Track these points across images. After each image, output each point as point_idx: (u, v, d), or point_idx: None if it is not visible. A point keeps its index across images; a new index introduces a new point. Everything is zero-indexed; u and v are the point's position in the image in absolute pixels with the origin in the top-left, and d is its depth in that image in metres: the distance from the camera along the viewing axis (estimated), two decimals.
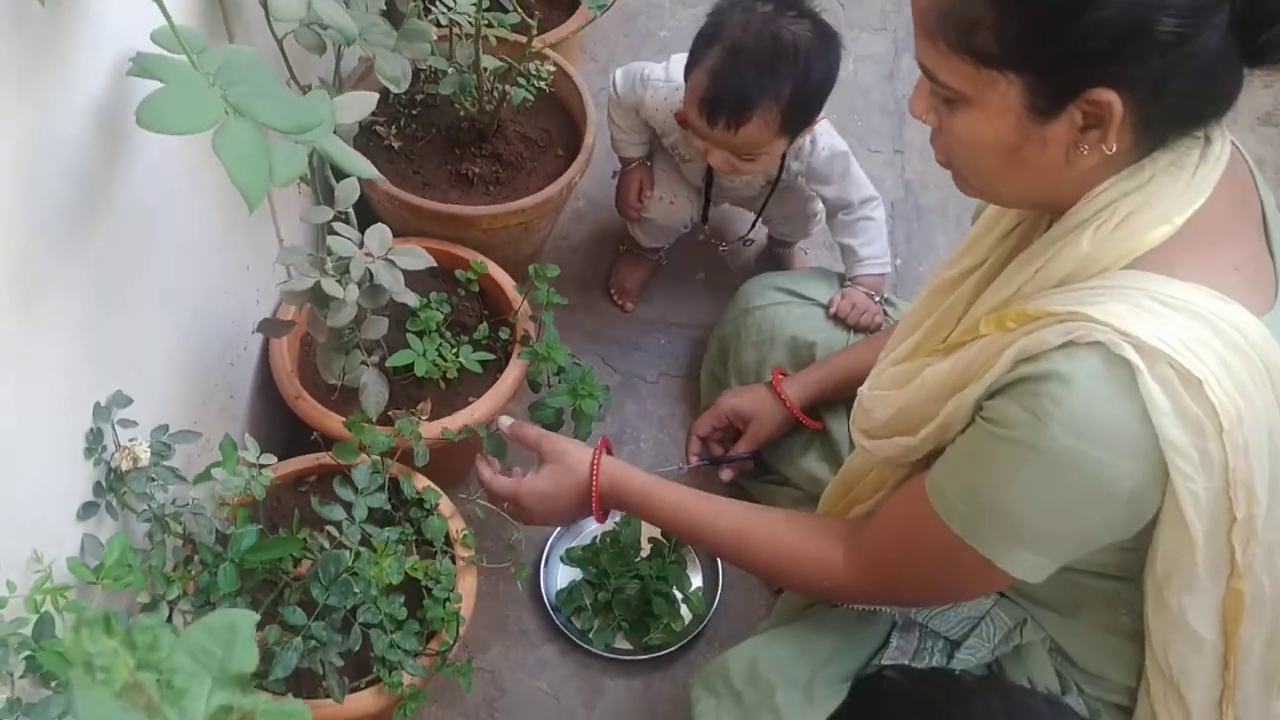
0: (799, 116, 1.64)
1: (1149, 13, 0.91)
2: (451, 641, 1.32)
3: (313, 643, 1.16)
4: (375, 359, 1.53)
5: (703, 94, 1.63)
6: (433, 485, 1.46)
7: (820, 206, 1.90)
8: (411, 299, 1.34)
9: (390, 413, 1.59)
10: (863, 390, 1.30)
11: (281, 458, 1.52)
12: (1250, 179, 1.14)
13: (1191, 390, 0.99)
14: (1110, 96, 0.94)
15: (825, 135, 1.78)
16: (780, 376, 1.72)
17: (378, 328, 1.38)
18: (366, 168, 1.07)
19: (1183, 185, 1.04)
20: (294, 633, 1.16)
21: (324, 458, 1.46)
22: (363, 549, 1.20)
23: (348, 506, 1.27)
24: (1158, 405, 0.98)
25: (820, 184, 1.82)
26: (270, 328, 1.48)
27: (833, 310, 1.78)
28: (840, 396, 1.69)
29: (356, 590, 1.18)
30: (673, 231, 1.99)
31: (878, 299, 1.80)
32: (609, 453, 1.42)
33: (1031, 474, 1.02)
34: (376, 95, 1.16)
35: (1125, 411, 0.99)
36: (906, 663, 1.31)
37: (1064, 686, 1.34)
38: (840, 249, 1.87)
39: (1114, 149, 0.99)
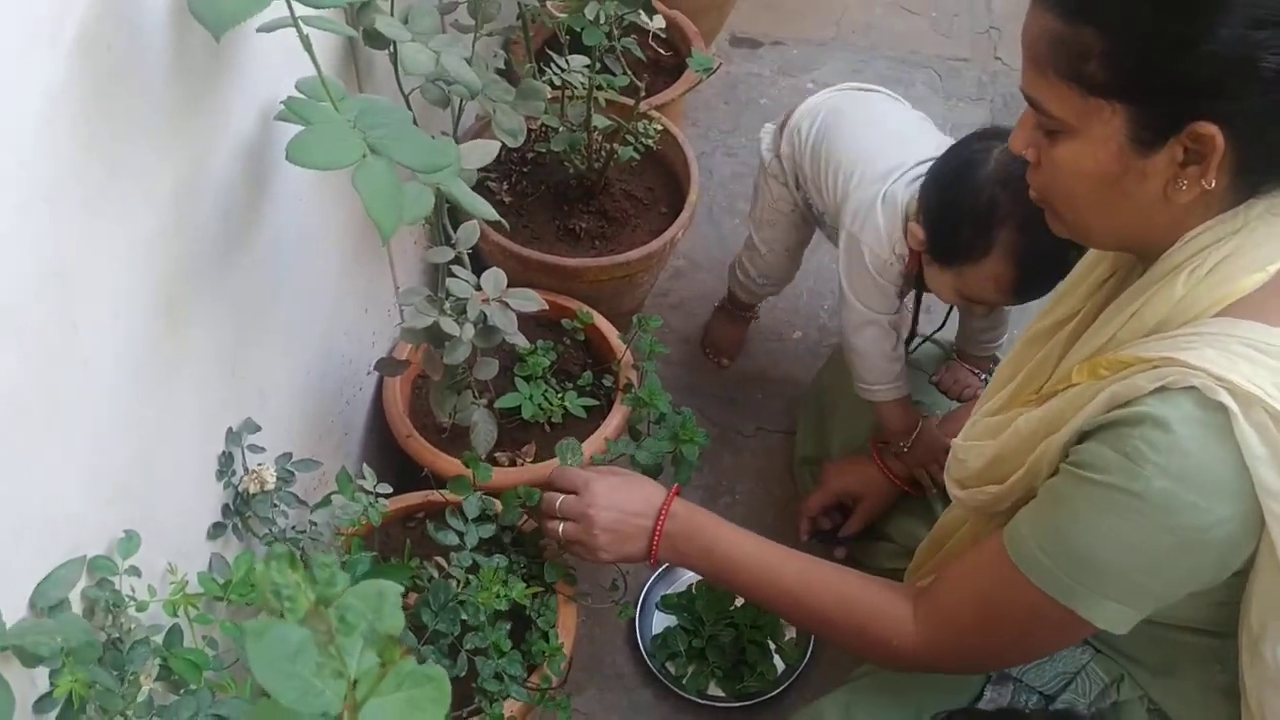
0: (1035, 289, 1.51)
1: (1256, 49, 0.93)
2: (555, 676, 1.36)
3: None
4: (485, 400, 1.59)
5: (1014, 283, 1.48)
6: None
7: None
8: (522, 340, 1.40)
9: (495, 454, 1.64)
10: (957, 441, 1.31)
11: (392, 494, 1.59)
12: None
13: None
14: (1213, 130, 0.96)
15: None
16: (880, 446, 1.72)
17: (489, 369, 1.44)
18: (488, 210, 1.14)
19: (1277, 233, 1.05)
20: None
21: (433, 495, 1.51)
22: (471, 577, 1.25)
23: (459, 535, 1.32)
24: (1253, 451, 0.99)
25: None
26: (387, 366, 1.54)
27: (935, 378, 1.79)
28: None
29: (464, 617, 1.22)
30: (783, 285, 2.00)
31: (983, 377, 1.79)
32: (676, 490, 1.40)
33: (1122, 518, 1.02)
34: (498, 144, 1.23)
35: (1221, 457, 0.99)
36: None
37: None
38: (960, 325, 1.84)
39: (1213, 185, 1.00)
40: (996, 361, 1.81)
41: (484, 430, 1.45)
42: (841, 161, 1.66)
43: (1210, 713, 1.27)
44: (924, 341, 1.85)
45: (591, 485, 1.36)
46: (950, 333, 1.84)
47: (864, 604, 1.26)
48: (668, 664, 1.70)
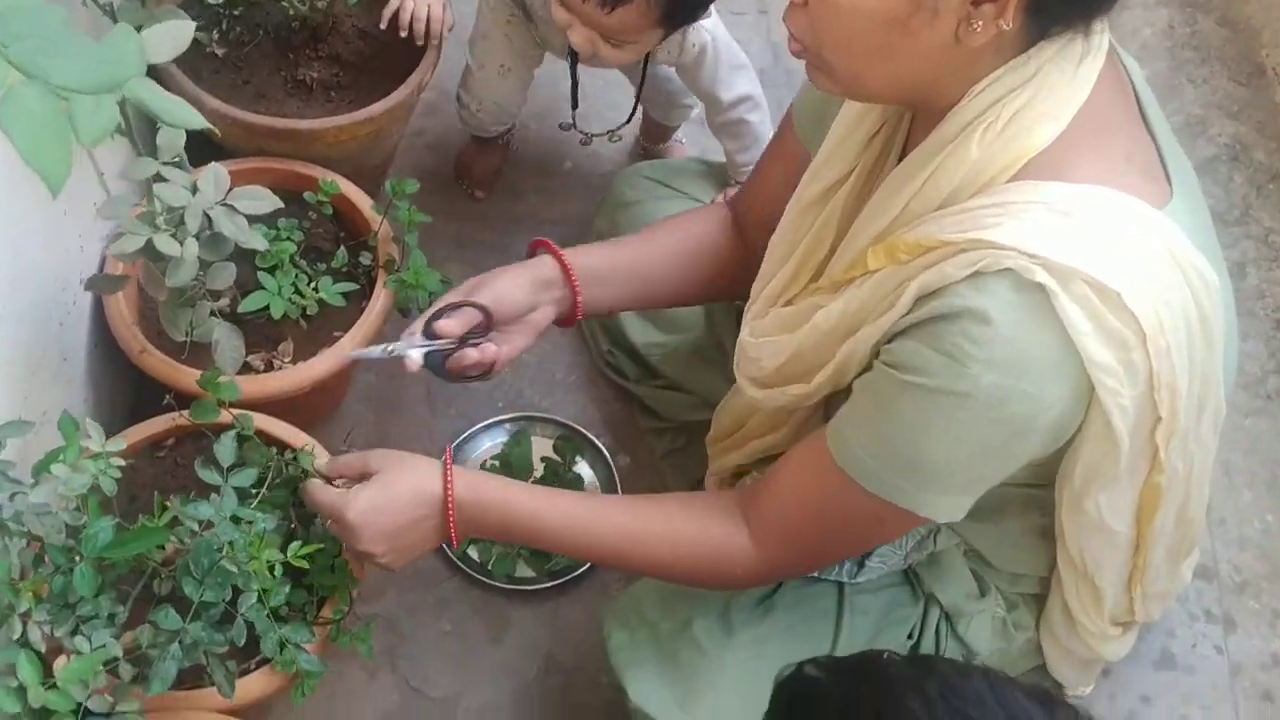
0: (683, 10, 1.46)
1: None
2: (346, 609, 1.23)
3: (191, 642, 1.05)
4: (226, 303, 1.39)
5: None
6: (307, 443, 1.33)
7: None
8: (260, 243, 1.20)
9: (249, 358, 1.45)
10: (745, 337, 1.21)
11: (132, 421, 1.39)
12: (1119, 63, 1.07)
13: (1110, 304, 0.94)
14: None
15: (695, 28, 1.58)
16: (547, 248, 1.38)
17: (225, 275, 1.24)
18: (192, 118, 0.92)
19: (1068, 78, 0.97)
20: (170, 636, 1.05)
21: (180, 418, 1.33)
22: (238, 532, 1.08)
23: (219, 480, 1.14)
24: (1078, 327, 0.93)
25: (689, 79, 1.69)
26: (100, 284, 1.32)
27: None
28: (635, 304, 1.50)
29: (235, 574, 1.06)
30: (507, 114, 1.81)
31: None
32: (450, 456, 1.21)
33: (953, 419, 0.96)
34: (191, 24, 1.00)
35: (1046, 340, 0.94)
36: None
37: (982, 589, 1.33)
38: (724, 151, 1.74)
39: (1009, 25, 0.90)
40: None
41: (229, 347, 1.26)
42: None
43: (1029, 554, 1.29)
44: (608, 135, 1.79)
45: (346, 518, 1.15)
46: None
47: (700, 546, 1.17)
48: (469, 550, 1.60)
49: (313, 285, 1.45)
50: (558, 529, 1.19)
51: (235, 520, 1.09)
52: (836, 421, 1.07)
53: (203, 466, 1.13)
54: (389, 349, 1.27)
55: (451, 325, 1.26)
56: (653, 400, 1.68)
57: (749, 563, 1.15)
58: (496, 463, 1.65)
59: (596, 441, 1.68)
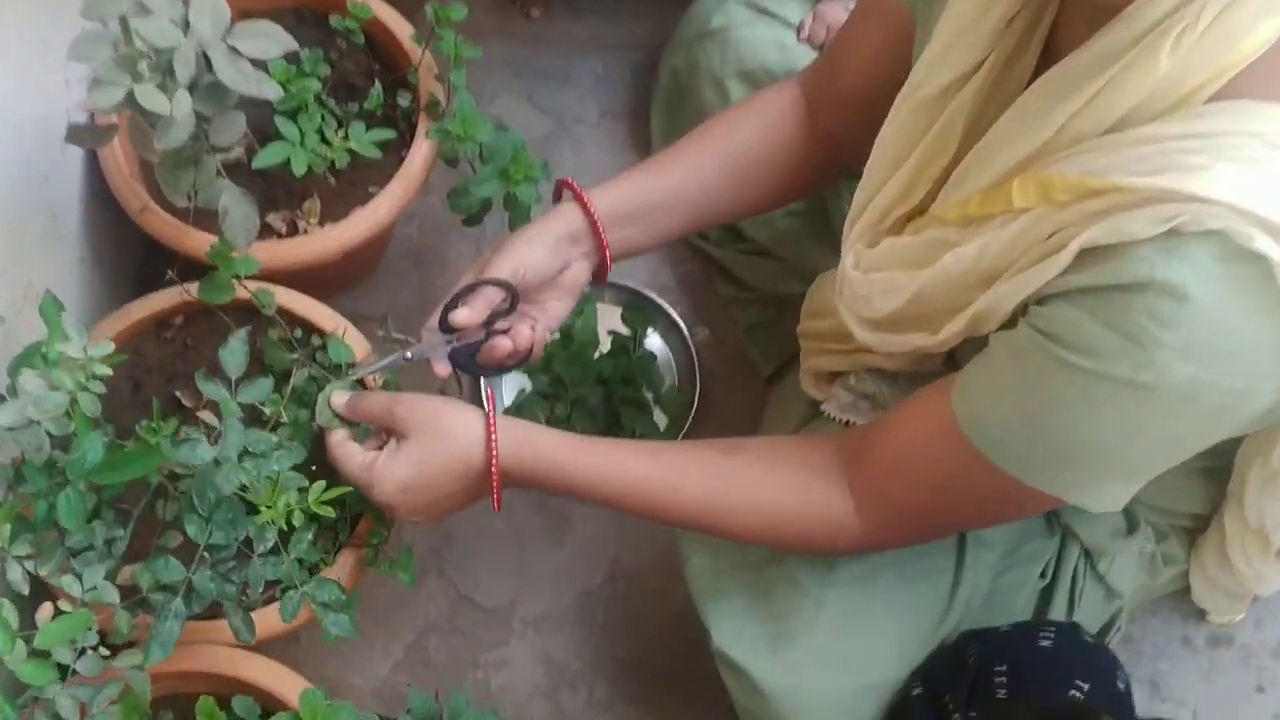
0: None
1: None
2: (385, 534, 1.05)
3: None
4: (240, 153, 1.17)
5: None
6: (338, 328, 1.13)
7: None
8: (273, 91, 0.96)
9: (269, 218, 1.24)
10: (849, 269, 0.97)
11: (139, 288, 1.19)
12: None
13: None
14: None
15: None
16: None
17: (231, 130, 1.00)
18: None
19: None
20: (171, 592, 0.87)
21: (187, 293, 1.12)
22: (247, 472, 0.89)
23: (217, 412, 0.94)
24: None
25: None
26: (81, 136, 1.09)
27: (804, 35, 1.41)
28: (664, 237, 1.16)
29: (246, 518, 0.88)
30: None
31: None
32: (493, 407, 1.04)
33: (1128, 412, 0.75)
34: None
35: (1262, 324, 0.71)
36: None
37: (1131, 524, 1.14)
38: None
39: None
40: None
41: (240, 216, 1.03)
42: None
43: (1189, 494, 1.13)
44: None
45: (374, 496, 0.97)
46: None
47: (795, 519, 0.97)
48: None
49: (342, 132, 1.21)
50: (625, 495, 0.99)
51: (245, 454, 0.89)
52: (968, 387, 0.85)
53: (205, 380, 0.93)
54: (406, 354, 1.05)
55: (471, 314, 1.02)
56: (737, 266, 1.45)
57: (853, 537, 0.97)
58: (558, 335, 1.43)
59: (671, 311, 1.46)
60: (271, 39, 0.93)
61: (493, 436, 0.97)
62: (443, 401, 1.01)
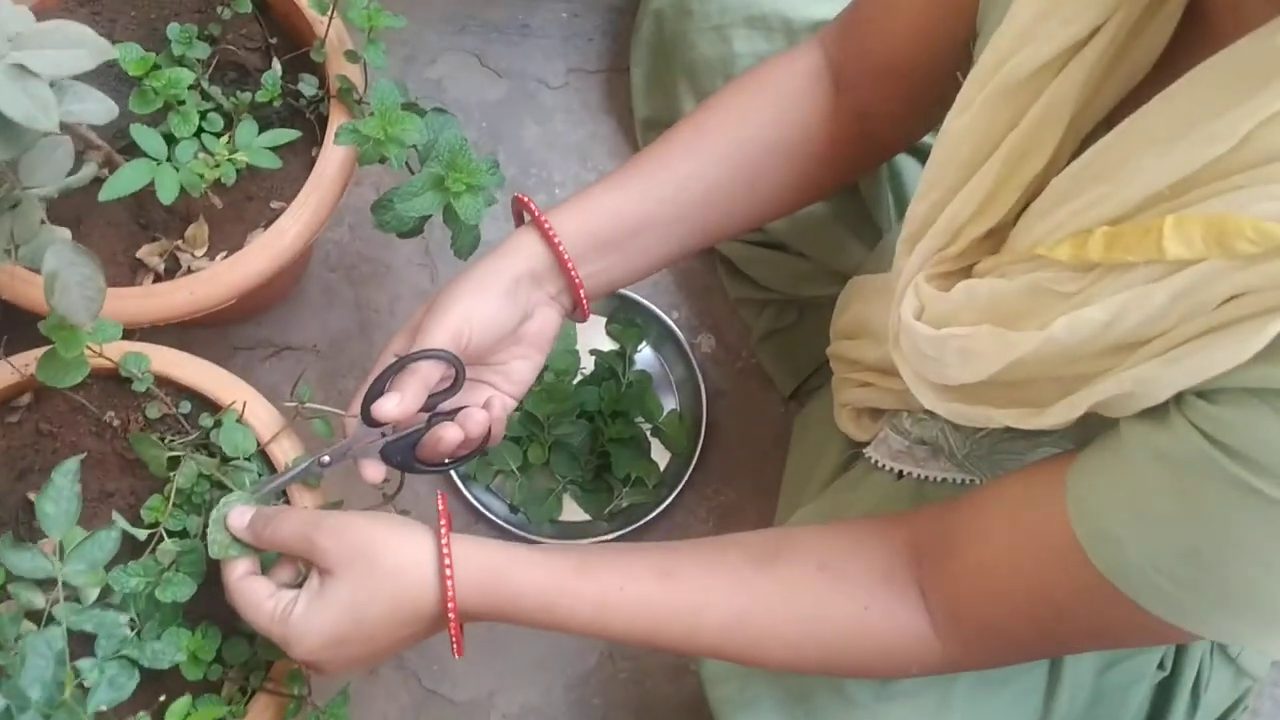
0: None
1: None
2: (307, 688, 0.80)
3: None
4: (93, 174, 0.89)
5: None
6: (235, 400, 0.86)
7: None
8: (100, 114, 0.68)
9: (141, 253, 0.97)
10: (909, 319, 0.69)
11: None
12: None
13: None
14: None
15: None
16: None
17: (51, 162, 0.73)
18: None
19: None
20: None
21: (29, 367, 0.85)
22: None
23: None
24: None
25: None
26: None
27: None
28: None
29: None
30: None
31: None
32: (448, 523, 0.74)
33: None
34: None
35: None
36: None
37: None
38: None
39: None
40: None
41: (76, 281, 0.75)
42: None
43: None
44: None
45: (293, 652, 0.72)
46: None
47: (855, 645, 0.73)
48: (491, 488, 1.15)
49: (226, 139, 0.93)
50: (631, 627, 0.74)
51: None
52: (1092, 497, 0.61)
53: (16, 547, 0.66)
54: (323, 459, 0.79)
55: (401, 403, 0.75)
56: (746, 262, 1.18)
57: (928, 663, 0.73)
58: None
59: (667, 319, 1.19)
60: (83, 48, 0.65)
61: (447, 573, 0.72)
62: (377, 523, 0.75)
